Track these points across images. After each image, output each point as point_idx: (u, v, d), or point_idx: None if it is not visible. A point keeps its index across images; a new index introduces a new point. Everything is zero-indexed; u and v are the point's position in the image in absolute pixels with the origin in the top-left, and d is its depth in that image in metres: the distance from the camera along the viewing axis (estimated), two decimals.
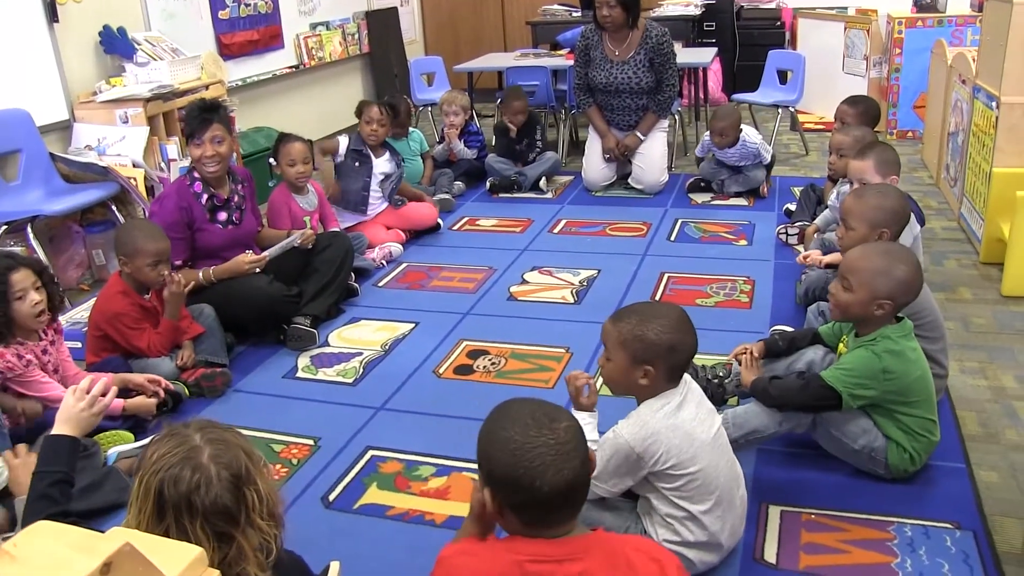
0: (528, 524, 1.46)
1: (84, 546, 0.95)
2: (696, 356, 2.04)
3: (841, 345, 2.45)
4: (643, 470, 1.92)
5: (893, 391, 2.27)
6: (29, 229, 4.02)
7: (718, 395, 2.69)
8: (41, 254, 3.99)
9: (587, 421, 2.15)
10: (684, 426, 1.90)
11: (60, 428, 2.04)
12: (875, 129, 3.98)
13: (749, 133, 5.00)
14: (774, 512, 2.29)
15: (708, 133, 5.23)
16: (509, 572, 1.43)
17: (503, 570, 1.43)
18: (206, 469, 1.40)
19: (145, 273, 3.05)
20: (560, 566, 1.43)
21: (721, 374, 2.74)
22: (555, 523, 1.46)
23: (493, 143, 5.83)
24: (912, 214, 3.04)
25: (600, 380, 2.42)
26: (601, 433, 2.04)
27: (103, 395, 2.12)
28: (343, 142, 4.54)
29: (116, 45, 4.86)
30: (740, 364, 2.61)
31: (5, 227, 4.01)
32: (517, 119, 5.52)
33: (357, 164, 4.52)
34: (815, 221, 3.96)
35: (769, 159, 5.13)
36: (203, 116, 3.42)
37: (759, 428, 2.34)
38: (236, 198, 3.60)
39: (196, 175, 3.50)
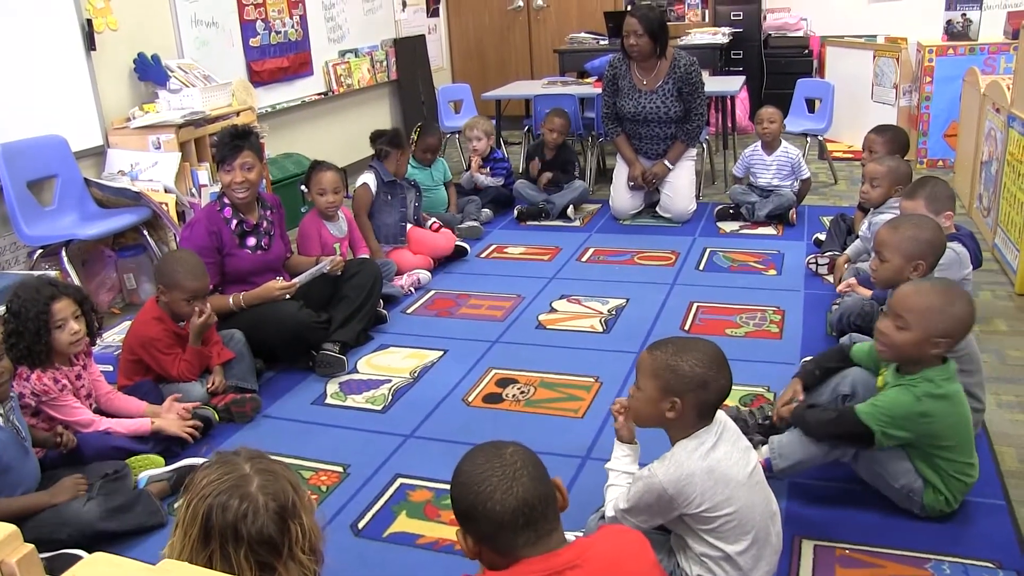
0: (504, 553, 1.49)
1: None
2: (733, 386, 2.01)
3: (880, 378, 2.41)
4: (675, 511, 1.89)
5: (928, 434, 2.22)
6: (63, 253, 4.07)
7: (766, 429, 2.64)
8: (75, 277, 4.04)
9: (626, 453, 2.14)
10: (719, 467, 1.86)
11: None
12: (905, 158, 3.96)
13: (788, 146, 5.18)
14: (807, 547, 2.25)
15: (741, 156, 5.29)
16: None
17: None
18: (254, 499, 1.43)
19: (180, 306, 3.09)
20: None
21: (770, 414, 2.68)
22: (526, 544, 1.48)
23: (521, 168, 5.83)
24: (966, 254, 2.98)
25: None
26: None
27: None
28: (371, 181, 4.52)
29: (150, 72, 4.93)
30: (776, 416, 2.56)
31: (40, 251, 4.07)
32: (553, 136, 5.52)
33: (390, 197, 4.54)
34: (845, 251, 3.93)
35: (807, 174, 5.21)
36: (234, 143, 3.45)
37: (805, 459, 2.32)
38: (265, 224, 3.62)
39: (226, 200, 3.52)
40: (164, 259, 3.39)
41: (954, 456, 2.26)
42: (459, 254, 4.78)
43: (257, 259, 3.57)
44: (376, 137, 4.64)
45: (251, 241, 3.56)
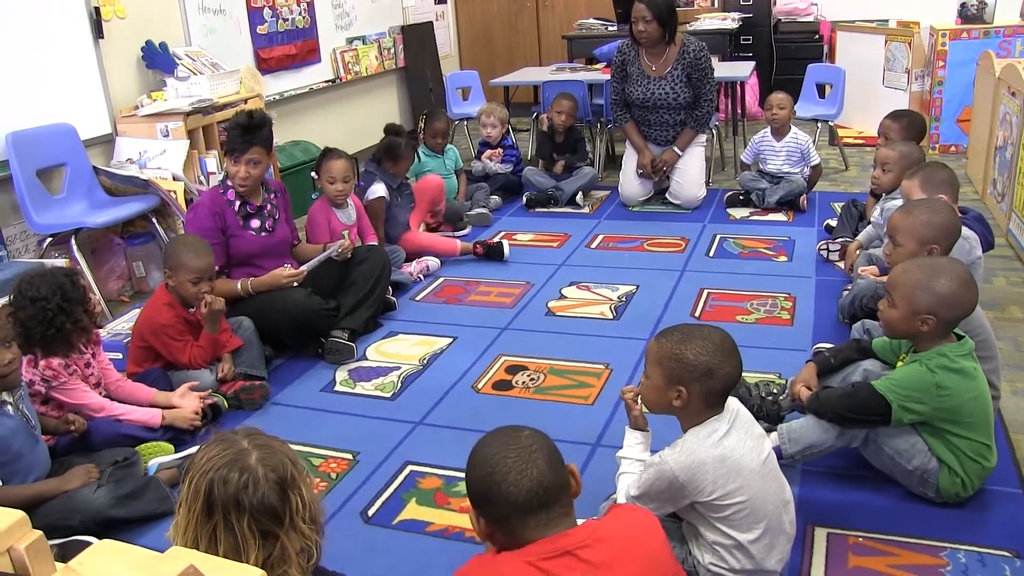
0: (515, 536, 1.50)
1: (147, 567, 0.94)
2: (744, 373, 1.99)
3: (899, 363, 2.38)
4: (686, 499, 1.88)
5: (945, 409, 2.20)
6: (73, 241, 4.07)
7: (773, 412, 2.62)
8: (84, 266, 4.04)
9: (638, 440, 2.14)
10: (732, 455, 1.85)
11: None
12: (919, 143, 3.91)
13: (798, 132, 5.14)
14: (820, 535, 2.24)
15: (751, 142, 5.26)
16: (527, 574, 1.45)
17: (520, 573, 1.45)
18: (254, 470, 1.46)
19: (186, 288, 3.08)
20: (574, 557, 1.46)
21: (775, 391, 2.68)
22: (537, 527, 1.49)
23: (533, 151, 5.80)
24: (975, 237, 2.95)
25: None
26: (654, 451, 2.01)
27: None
28: (382, 191, 4.40)
29: (158, 60, 4.92)
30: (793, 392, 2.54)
31: (50, 239, 4.07)
32: (562, 119, 5.49)
33: (400, 199, 4.52)
34: (857, 237, 3.90)
35: (817, 160, 5.17)
36: (245, 137, 3.42)
37: (815, 443, 2.30)
38: (269, 206, 3.61)
39: (229, 184, 3.52)
40: (169, 243, 3.42)
41: (971, 435, 2.23)
42: (497, 255, 4.53)
43: (261, 241, 3.55)
44: (389, 131, 4.60)
45: (255, 223, 3.54)
